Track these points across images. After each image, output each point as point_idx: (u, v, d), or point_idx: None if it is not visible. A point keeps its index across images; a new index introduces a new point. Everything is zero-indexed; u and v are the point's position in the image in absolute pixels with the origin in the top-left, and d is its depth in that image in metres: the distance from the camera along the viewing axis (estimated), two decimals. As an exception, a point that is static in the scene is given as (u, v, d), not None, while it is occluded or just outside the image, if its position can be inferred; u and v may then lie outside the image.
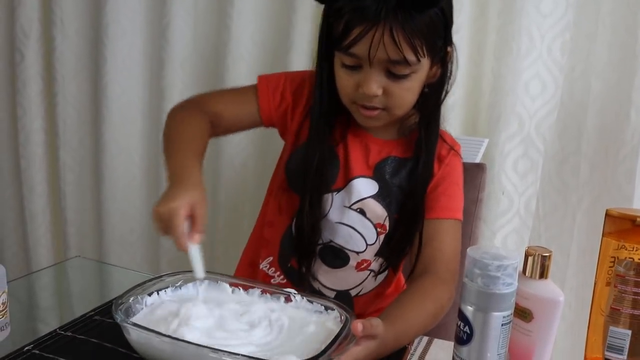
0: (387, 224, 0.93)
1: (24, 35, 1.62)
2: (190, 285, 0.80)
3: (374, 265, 0.96)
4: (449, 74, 0.88)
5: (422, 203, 0.91)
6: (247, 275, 1.03)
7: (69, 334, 0.75)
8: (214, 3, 1.45)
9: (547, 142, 1.22)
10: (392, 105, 0.85)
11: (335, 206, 0.93)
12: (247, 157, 1.47)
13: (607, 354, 0.69)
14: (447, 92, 0.89)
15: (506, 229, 1.25)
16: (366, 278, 0.97)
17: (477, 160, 1.17)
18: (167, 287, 0.78)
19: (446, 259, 0.87)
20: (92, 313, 0.81)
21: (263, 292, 0.79)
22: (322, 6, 0.84)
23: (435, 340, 0.80)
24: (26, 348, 0.71)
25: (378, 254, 0.95)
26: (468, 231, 1.07)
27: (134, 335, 0.66)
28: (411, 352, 0.77)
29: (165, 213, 0.70)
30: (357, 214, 0.93)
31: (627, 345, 0.68)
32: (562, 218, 1.27)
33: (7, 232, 1.85)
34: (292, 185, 0.95)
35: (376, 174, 0.93)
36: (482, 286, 0.60)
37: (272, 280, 0.99)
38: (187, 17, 1.46)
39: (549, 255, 0.65)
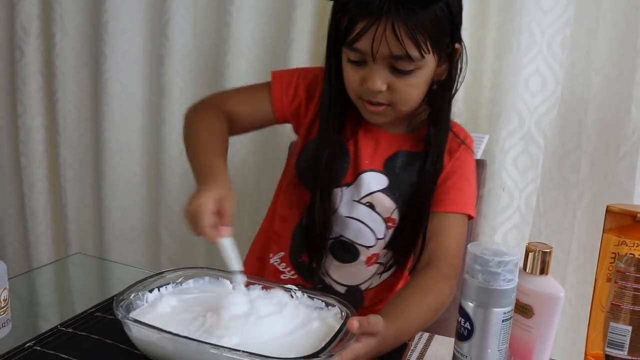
0: (396, 217, 0.93)
1: (24, 32, 1.62)
2: (191, 281, 0.80)
3: (383, 260, 0.96)
4: (458, 72, 0.88)
5: (429, 198, 0.90)
6: (256, 270, 1.03)
7: (70, 330, 0.75)
8: (214, 0, 1.45)
9: (548, 138, 1.22)
10: (397, 101, 0.85)
11: (344, 201, 0.93)
12: (247, 154, 1.47)
13: (608, 350, 0.69)
14: (457, 90, 0.89)
15: (506, 225, 1.25)
16: (375, 272, 0.98)
17: (478, 157, 1.17)
18: (167, 284, 0.78)
19: (450, 253, 0.87)
20: (93, 309, 0.81)
21: (264, 288, 0.79)
22: (325, 3, 0.85)
23: (436, 336, 0.80)
24: (27, 344, 0.71)
25: (387, 247, 0.95)
26: (468, 227, 1.06)
27: (134, 332, 0.66)
28: (412, 348, 0.77)
29: (192, 210, 0.73)
30: (366, 208, 0.93)
31: (627, 341, 0.68)
32: (562, 214, 1.27)
33: (7, 229, 1.86)
34: (302, 180, 0.95)
35: (386, 168, 0.93)
36: (482, 282, 0.60)
37: (282, 276, 0.99)
38: (187, 14, 1.46)
39: (550, 252, 0.65)
